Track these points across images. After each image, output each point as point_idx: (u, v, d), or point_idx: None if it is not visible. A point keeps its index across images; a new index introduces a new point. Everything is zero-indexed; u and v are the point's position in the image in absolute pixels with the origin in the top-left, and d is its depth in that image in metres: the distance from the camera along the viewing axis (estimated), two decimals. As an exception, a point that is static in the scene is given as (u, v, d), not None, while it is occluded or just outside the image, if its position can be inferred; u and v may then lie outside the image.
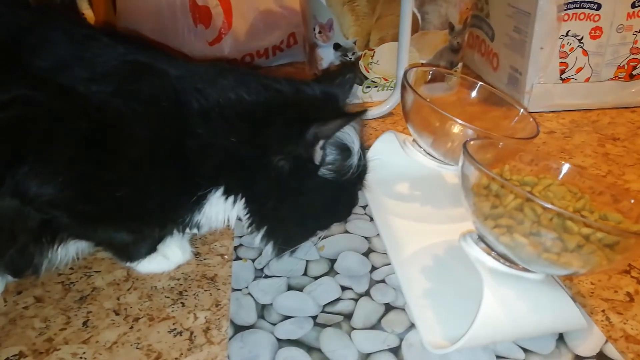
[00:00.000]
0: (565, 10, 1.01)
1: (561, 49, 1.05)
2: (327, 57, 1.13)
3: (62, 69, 0.53)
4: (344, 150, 0.58)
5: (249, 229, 0.61)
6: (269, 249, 0.62)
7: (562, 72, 1.07)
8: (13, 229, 0.54)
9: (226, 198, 0.58)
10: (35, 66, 0.53)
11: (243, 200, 0.59)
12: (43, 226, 0.55)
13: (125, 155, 0.53)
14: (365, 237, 0.70)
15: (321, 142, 0.55)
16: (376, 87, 1.15)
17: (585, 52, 1.05)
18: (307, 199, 0.59)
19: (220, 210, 0.59)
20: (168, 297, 0.60)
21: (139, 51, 0.58)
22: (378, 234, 0.71)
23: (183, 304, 0.59)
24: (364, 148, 0.63)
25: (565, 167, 0.60)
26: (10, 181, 0.50)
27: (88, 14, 1.54)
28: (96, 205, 0.55)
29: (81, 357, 0.53)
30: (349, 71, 0.66)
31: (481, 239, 0.54)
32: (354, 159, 0.58)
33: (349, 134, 0.56)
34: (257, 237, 0.61)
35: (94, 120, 0.52)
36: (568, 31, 1.03)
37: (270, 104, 0.57)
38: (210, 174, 0.57)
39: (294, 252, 0.65)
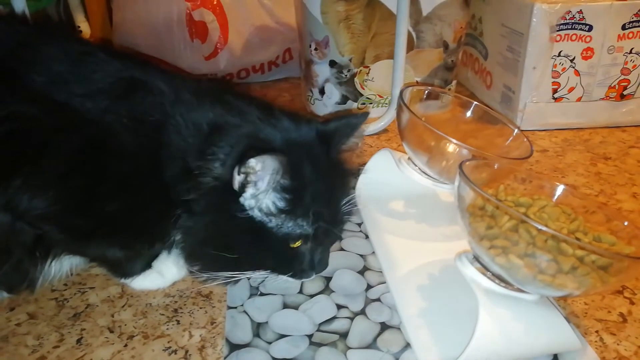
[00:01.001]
0: (558, 31, 1.02)
1: (553, 69, 1.06)
2: (322, 73, 1.14)
3: (58, 84, 0.54)
4: (287, 197, 0.55)
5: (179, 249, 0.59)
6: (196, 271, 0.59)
7: (555, 91, 1.08)
8: (8, 243, 0.54)
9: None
10: (31, 81, 0.53)
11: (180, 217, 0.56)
12: (37, 241, 0.55)
13: (115, 170, 0.53)
14: (361, 255, 0.71)
15: (237, 168, 0.52)
16: (371, 103, 1.16)
17: (577, 72, 1.07)
18: (223, 225, 0.56)
19: None
20: (163, 315, 0.60)
21: (134, 67, 0.58)
22: (373, 252, 0.71)
23: (178, 322, 0.59)
24: (322, 207, 0.57)
25: (559, 188, 0.60)
26: (3, 195, 0.50)
27: (84, 27, 1.54)
28: (87, 220, 0.55)
29: (74, 376, 0.52)
30: (359, 116, 0.63)
31: (476, 259, 0.54)
32: (260, 194, 0.54)
33: (259, 167, 0.51)
34: (183, 258, 0.60)
35: (86, 135, 0.52)
36: (560, 51, 1.05)
37: (236, 126, 0.56)
38: (176, 187, 0.55)
39: (229, 283, 0.61)
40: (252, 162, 0.51)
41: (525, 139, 0.74)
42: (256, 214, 0.55)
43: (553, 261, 0.46)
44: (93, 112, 0.53)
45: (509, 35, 1.11)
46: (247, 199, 0.54)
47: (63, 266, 0.61)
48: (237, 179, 0.53)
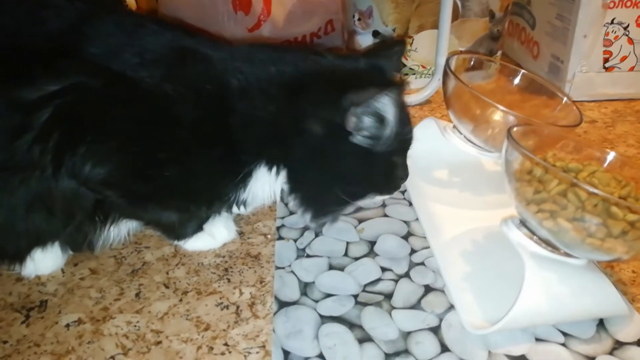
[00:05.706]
0: (611, -3, 0.99)
1: (605, 37, 1.03)
2: (365, 44, 1.14)
3: (114, 56, 0.56)
4: (382, 120, 0.58)
5: (291, 198, 0.63)
6: (307, 216, 0.64)
7: (606, 60, 1.05)
8: (71, 207, 0.57)
9: (269, 170, 0.60)
10: (89, 53, 0.56)
11: (285, 170, 0.61)
12: (97, 206, 0.58)
13: (173, 137, 0.56)
14: (405, 221, 0.72)
15: (354, 109, 0.56)
16: (414, 74, 1.16)
17: (630, 41, 1.03)
18: (340, 164, 0.60)
19: (265, 184, 0.62)
20: (214, 273, 0.63)
21: (184, 37, 0.60)
22: (417, 219, 0.72)
23: (229, 280, 0.62)
24: (406, 120, 0.63)
25: (610, 156, 0.59)
26: (69, 162, 0.53)
27: (130, 0, 1.57)
28: (146, 185, 0.58)
29: (135, 326, 0.56)
30: (397, 44, 0.68)
31: (523, 224, 0.54)
32: (388, 130, 0.58)
33: (384, 104, 0.56)
34: (296, 205, 0.63)
35: (144, 104, 0.55)
36: (613, 19, 1.01)
37: (308, 74, 0.60)
38: (253, 149, 0.59)
39: (334, 220, 0.67)
40: (376, 104, 0.56)
41: (574, 108, 0.73)
42: (371, 145, 0.59)
43: (602, 225, 0.46)
44: (149, 81, 0.55)
45: (558, 3, 1.07)
46: (363, 136, 0.58)
47: (121, 230, 0.64)
48: (352, 120, 0.57)
